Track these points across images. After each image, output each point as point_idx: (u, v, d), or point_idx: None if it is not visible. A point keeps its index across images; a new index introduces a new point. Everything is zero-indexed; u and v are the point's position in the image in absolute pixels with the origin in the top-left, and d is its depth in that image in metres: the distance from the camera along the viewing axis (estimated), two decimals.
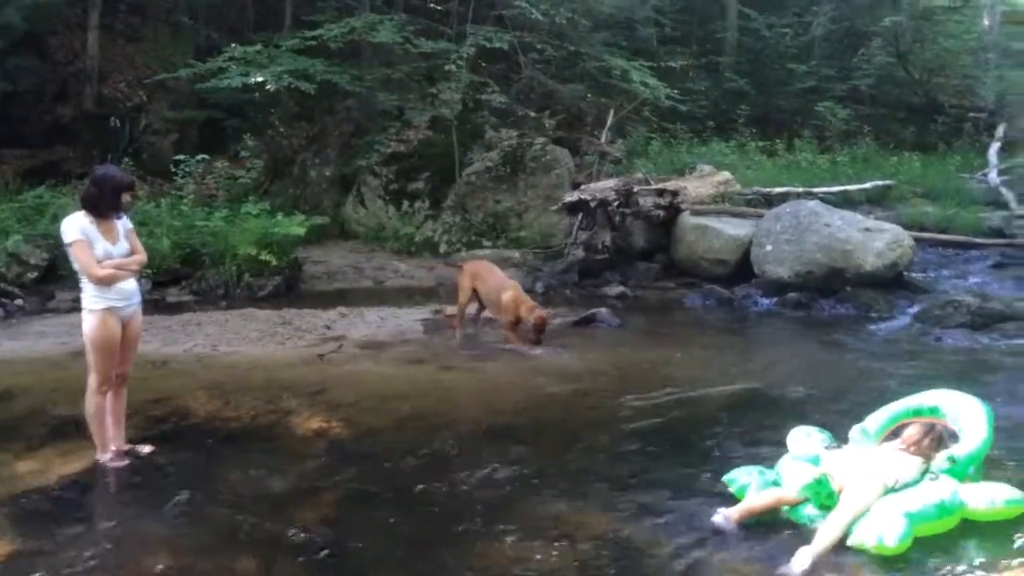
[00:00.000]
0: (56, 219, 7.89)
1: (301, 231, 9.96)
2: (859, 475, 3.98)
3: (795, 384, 5.95)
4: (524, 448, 4.79)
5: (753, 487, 4.06)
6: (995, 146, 14.13)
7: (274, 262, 9.54)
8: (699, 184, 11.17)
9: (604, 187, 10.62)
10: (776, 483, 4.10)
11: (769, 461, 4.33)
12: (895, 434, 4.28)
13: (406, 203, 12.65)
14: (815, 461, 4.20)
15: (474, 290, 7.46)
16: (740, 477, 4.18)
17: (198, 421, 5.23)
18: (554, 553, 3.67)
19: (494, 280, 7.36)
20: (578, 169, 12.57)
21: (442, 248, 11.93)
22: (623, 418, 5.27)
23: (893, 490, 3.93)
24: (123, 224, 4.59)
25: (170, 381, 5.96)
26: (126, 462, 4.60)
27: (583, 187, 10.83)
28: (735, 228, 10.02)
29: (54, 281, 8.87)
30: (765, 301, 9.01)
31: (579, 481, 4.37)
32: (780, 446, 4.43)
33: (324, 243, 11.90)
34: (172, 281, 9.42)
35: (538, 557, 3.64)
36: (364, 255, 11.74)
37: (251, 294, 9.29)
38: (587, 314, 8.15)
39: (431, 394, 5.79)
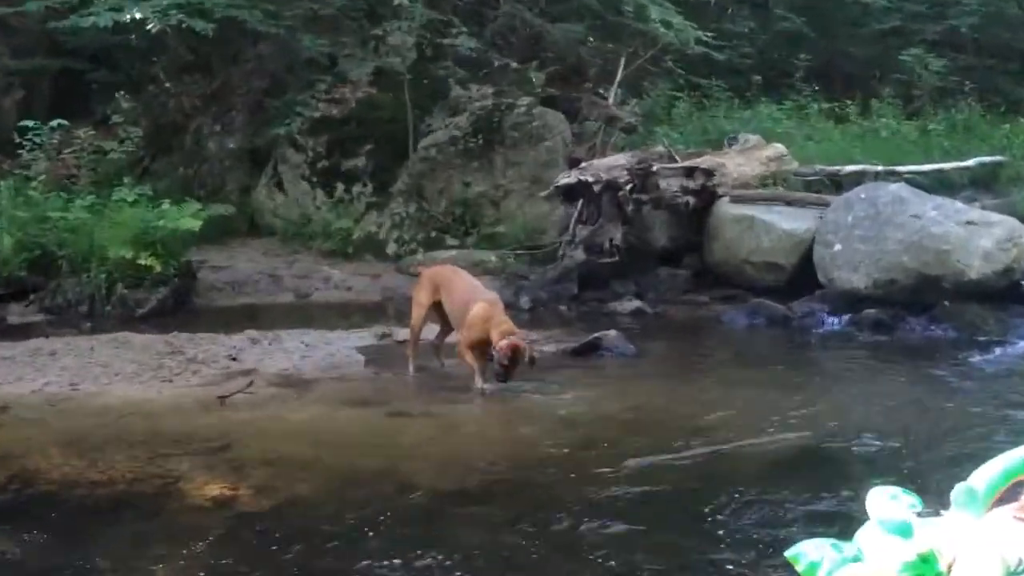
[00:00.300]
0: None
1: (196, 225, 9.94)
2: (969, 551, 4.01)
3: (873, 431, 6.01)
4: (497, 524, 4.79)
5: (826, 565, 4.08)
6: None
7: (158, 268, 9.51)
8: (742, 161, 11.26)
9: (613, 165, 10.69)
10: (857, 559, 4.12)
11: (840, 531, 4.36)
12: (1010, 496, 4.32)
13: (341, 187, 12.65)
14: (906, 531, 4.22)
15: (436, 305, 7.42)
16: (809, 552, 4.17)
17: (51, 489, 5.17)
18: None
19: (463, 290, 7.28)
20: (577, 140, 12.63)
21: (390, 248, 11.93)
22: (635, 481, 5.28)
23: (1015, 574, 3.96)
24: None
25: (11, 433, 5.91)
26: None
27: (584, 165, 10.89)
28: (791, 221, 10.12)
29: None
30: (833, 320, 9.10)
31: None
32: (853, 513, 4.47)
33: (227, 242, 11.85)
34: (15, 294, 9.36)
35: None
36: (283, 258, 11.71)
37: (127, 312, 9.26)
38: (590, 339, 8.17)
39: (375, 450, 5.79)
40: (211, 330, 8.46)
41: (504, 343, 6.68)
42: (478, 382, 6.92)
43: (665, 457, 5.62)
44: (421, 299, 7.45)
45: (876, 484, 4.53)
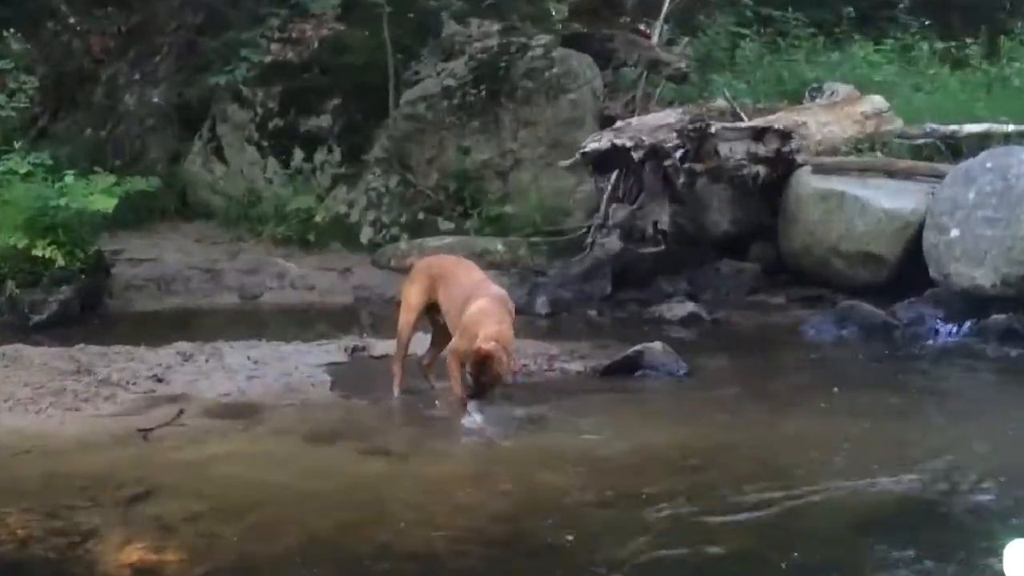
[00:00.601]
0: None
1: (109, 205, 9.93)
2: None
3: (1002, 475, 5.99)
4: None
5: None
6: None
7: (60, 261, 9.52)
8: (828, 118, 11.24)
9: (658, 125, 10.67)
10: None
11: None
12: None
13: (299, 154, 12.66)
14: None
15: (431, 308, 7.41)
16: None
17: None
18: None
19: (466, 285, 7.25)
20: (610, 92, 12.63)
21: (364, 235, 11.95)
22: (686, 541, 5.26)
23: None
24: None
25: None
26: None
27: (620, 125, 10.88)
28: (893, 198, 10.10)
29: None
30: (949, 329, 9.06)
31: None
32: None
33: (151, 226, 11.87)
34: None
35: None
36: (224, 247, 11.71)
37: (19, 319, 9.31)
38: (627, 355, 8.17)
39: (345, 501, 5.77)
40: (129, 343, 8.45)
41: (479, 348, 6.71)
42: (467, 411, 6.91)
43: (729, 508, 5.58)
44: (412, 299, 7.40)
45: (1011, 541, 4.54)
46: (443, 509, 5.72)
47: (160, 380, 7.69)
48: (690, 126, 10.53)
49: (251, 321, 9.72)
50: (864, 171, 10.54)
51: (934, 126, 11.41)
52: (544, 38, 12.37)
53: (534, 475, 6.21)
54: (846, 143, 11.01)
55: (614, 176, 10.92)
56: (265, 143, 12.71)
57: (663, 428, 6.98)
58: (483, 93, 12.11)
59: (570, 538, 5.34)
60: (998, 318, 8.89)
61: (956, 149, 10.99)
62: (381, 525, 5.48)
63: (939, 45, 13.97)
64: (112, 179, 10.43)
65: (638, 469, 6.25)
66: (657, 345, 8.26)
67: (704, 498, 5.71)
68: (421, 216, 11.93)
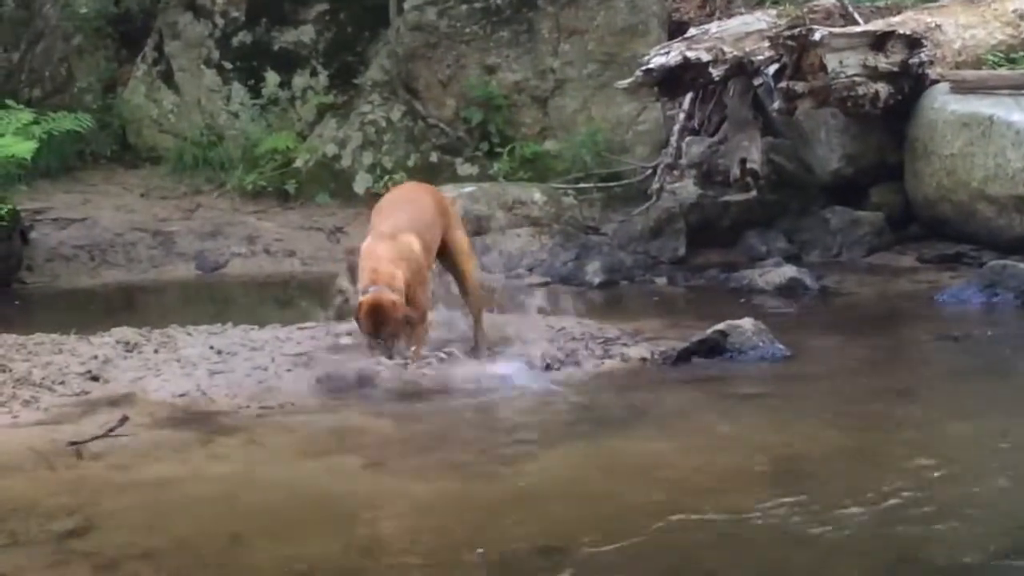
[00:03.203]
0: None
1: (26, 150, 9.99)
2: None
3: None
4: None
5: None
6: None
7: None
8: (971, 19, 11.19)
9: (745, 32, 10.67)
10: None
11: None
12: None
13: (273, 79, 12.68)
14: None
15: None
16: None
17: None
18: None
19: (386, 217, 8.12)
20: None
21: (359, 183, 12.00)
22: (789, 568, 5.30)
23: None
24: None
25: None
26: None
27: (694, 32, 10.86)
28: None
29: None
30: None
31: None
32: None
33: (81, 177, 11.93)
34: None
35: None
36: (176, 203, 11.78)
37: None
38: (708, 335, 8.21)
39: (337, 532, 5.79)
40: (56, 330, 8.52)
41: (360, 300, 7.46)
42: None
43: (841, 526, 5.58)
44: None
45: None
46: (459, 536, 5.72)
47: (96, 378, 7.74)
48: (786, 33, 10.50)
49: (213, 299, 9.77)
50: (1018, 89, 10.45)
51: None
52: None
53: (587, 489, 6.21)
54: (994, 51, 10.94)
55: (687, 101, 10.89)
56: (228, 65, 12.76)
57: (753, 430, 6.99)
58: None
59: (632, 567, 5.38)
60: None
61: None
62: (381, 562, 5.49)
63: None
64: (29, 116, 10.48)
65: (719, 483, 6.25)
66: (746, 322, 8.29)
67: (803, 516, 5.71)
68: (434, 157, 11.98)
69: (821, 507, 5.86)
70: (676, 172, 10.90)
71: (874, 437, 6.88)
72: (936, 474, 6.24)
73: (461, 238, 8.46)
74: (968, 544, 5.58)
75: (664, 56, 10.56)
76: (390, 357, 7.58)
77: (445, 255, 8.36)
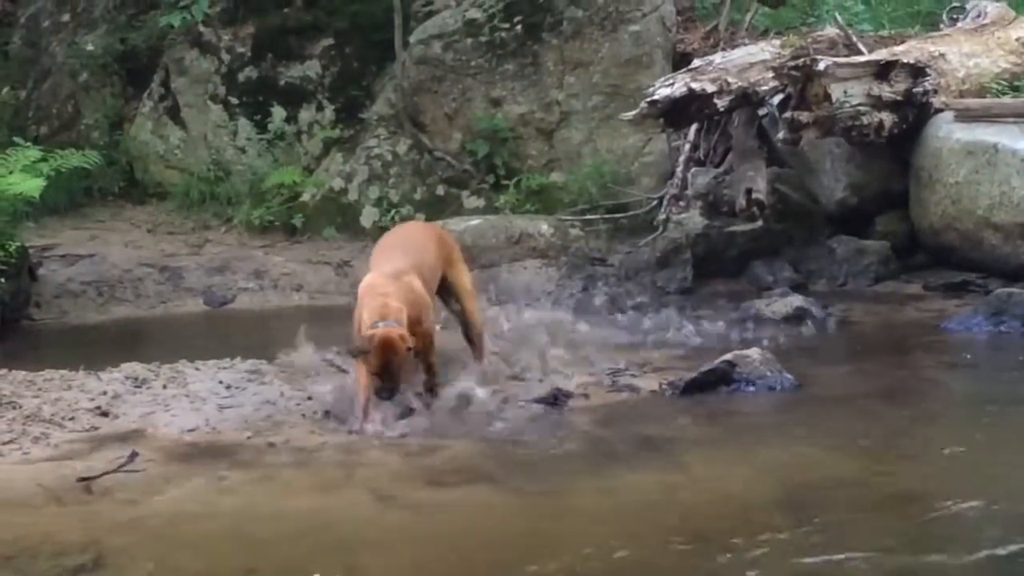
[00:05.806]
0: None
1: (34, 188, 10.00)
2: None
3: None
4: None
5: None
6: None
7: None
8: (974, 48, 11.19)
9: (750, 62, 10.67)
10: None
11: None
12: None
13: (279, 114, 12.69)
14: None
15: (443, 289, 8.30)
16: None
17: None
18: None
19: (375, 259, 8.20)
20: (685, 22, 12.61)
21: (366, 217, 11.98)
22: None
23: None
24: None
25: None
26: None
27: (700, 63, 10.87)
28: None
29: None
30: None
31: None
32: None
33: (89, 213, 11.90)
34: None
35: None
36: (183, 239, 11.75)
37: None
38: (715, 365, 8.19)
39: (357, 563, 5.79)
40: (65, 366, 8.49)
41: (370, 333, 7.33)
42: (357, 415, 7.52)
43: (853, 568, 5.57)
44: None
45: None
46: (492, 573, 5.72)
47: (105, 414, 7.73)
48: (791, 63, 10.51)
49: (222, 334, 9.74)
50: (1023, 116, 10.46)
51: None
52: None
53: (593, 530, 6.20)
54: (998, 80, 10.95)
55: (692, 132, 10.90)
56: (234, 100, 12.77)
57: (761, 460, 6.96)
58: (519, 27, 12.14)
59: None
60: None
61: None
62: None
63: None
64: (37, 153, 10.48)
65: (729, 519, 6.21)
66: (753, 352, 8.29)
67: (816, 554, 5.71)
68: (440, 190, 11.98)
69: (829, 535, 5.86)
70: (682, 203, 10.90)
71: (883, 467, 6.85)
72: (950, 503, 6.22)
73: (463, 276, 8.49)
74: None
75: (669, 87, 10.57)
76: (390, 397, 7.58)
77: (447, 293, 8.40)
